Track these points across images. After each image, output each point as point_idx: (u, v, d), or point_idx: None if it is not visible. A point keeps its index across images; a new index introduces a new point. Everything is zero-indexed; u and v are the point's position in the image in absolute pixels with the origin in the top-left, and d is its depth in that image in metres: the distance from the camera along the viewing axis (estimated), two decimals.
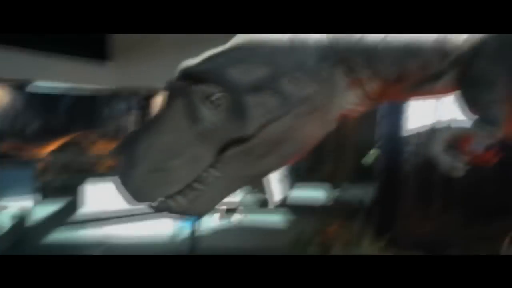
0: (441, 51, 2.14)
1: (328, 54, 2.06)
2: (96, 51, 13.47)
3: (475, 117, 2.22)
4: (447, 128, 2.35)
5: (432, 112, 5.79)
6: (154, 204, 1.93)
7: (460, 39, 2.14)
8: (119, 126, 14.13)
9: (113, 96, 14.24)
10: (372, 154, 7.92)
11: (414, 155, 5.95)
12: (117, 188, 1.90)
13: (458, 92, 2.30)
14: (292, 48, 2.02)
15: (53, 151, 10.63)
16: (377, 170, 6.27)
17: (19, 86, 13.26)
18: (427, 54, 2.13)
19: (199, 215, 2.06)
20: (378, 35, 2.08)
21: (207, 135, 1.91)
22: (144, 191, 1.88)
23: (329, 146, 12.14)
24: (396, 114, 6.01)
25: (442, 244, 5.30)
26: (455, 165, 2.15)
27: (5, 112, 13.41)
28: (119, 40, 13.67)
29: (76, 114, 14.59)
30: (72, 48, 12.58)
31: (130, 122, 14.06)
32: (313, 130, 2.06)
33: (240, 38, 2.10)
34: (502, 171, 5.77)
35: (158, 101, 13.78)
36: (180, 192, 1.91)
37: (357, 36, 2.08)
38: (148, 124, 2.06)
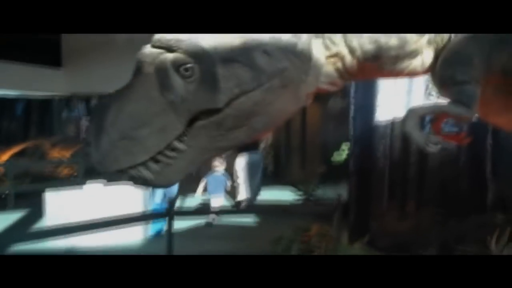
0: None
1: None
2: (48, 57, 13.23)
3: (449, 97, 2.24)
4: (421, 105, 2.49)
5: (404, 102, 5.70)
6: (120, 173, 1.87)
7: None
8: (74, 131, 14.00)
9: (67, 102, 14.14)
10: (343, 151, 7.79)
11: (388, 149, 5.83)
12: (83, 158, 1.80)
13: (432, 72, 2.34)
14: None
15: (9, 159, 10.15)
16: (350, 168, 6.12)
17: None
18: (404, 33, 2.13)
19: (165, 185, 2.03)
20: None
21: (178, 105, 1.86)
22: (111, 159, 1.83)
23: (297, 143, 12.22)
24: (368, 106, 5.85)
25: (418, 243, 5.22)
26: (428, 141, 2.19)
27: None
28: (70, 45, 13.49)
29: (31, 120, 14.37)
30: (25, 54, 12.36)
31: (85, 127, 13.90)
32: (286, 105, 2.02)
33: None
34: (476, 168, 5.78)
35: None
36: (146, 162, 1.86)
37: None
38: (118, 92, 1.94)
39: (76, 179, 9.44)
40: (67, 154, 10.69)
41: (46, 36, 13.12)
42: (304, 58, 2.04)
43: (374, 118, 5.80)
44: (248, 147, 8.60)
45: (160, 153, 1.88)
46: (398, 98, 5.71)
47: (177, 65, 1.87)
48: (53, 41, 13.48)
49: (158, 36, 1.93)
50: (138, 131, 1.84)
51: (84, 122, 13.97)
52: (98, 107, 1.99)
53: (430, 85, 5.11)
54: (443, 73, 2.27)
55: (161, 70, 1.88)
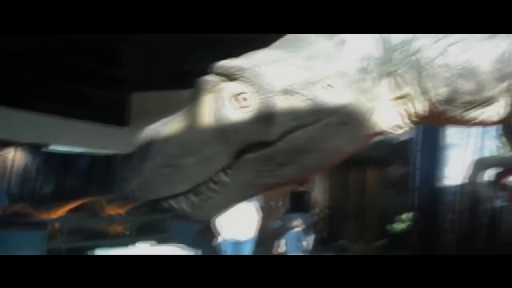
0: (498, 75, 2.01)
1: (375, 65, 1.91)
2: (114, 117, 13.65)
3: None
4: (491, 156, 2.19)
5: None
6: (157, 202, 1.75)
7: None
8: (131, 190, 14.04)
9: (130, 160, 14.32)
10: (403, 221, 7.20)
11: (455, 222, 5.24)
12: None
13: (508, 121, 2.16)
14: (336, 53, 1.87)
15: (65, 214, 10.21)
16: (414, 241, 5.57)
17: (35, 149, 13.30)
18: (483, 76, 1.99)
19: (202, 220, 1.88)
20: (436, 49, 1.95)
21: (229, 136, 1.73)
22: (150, 185, 1.72)
23: (354, 209, 11.66)
24: (434, 176, 5.36)
25: None
26: (496, 194, 2.07)
27: (21, 174, 13.68)
28: (137, 105, 13.92)
29: (92, 176, 14.74)
30: (91, 113, 12.81)
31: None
32: (342, 143, 1.86)
33: (284, 38, 1.96)
34: None
35: None
36: (186, 193, 1.73)
37: (412, 49, 1.95)
38: (171, 119, 1.85)
39: (127, 238, 9.32)
40: (121, 211, 10.63)
41: (114, 95, 13.64)
42: (370, 96, 1.90)
43: (440, 189, 5.28)
44: (300, 207, 8.19)
45: (202, 185, 1.74)
46: (466, 167, 5.19)
47: (235, 94, 1.76)
48: (121, 100, 13.98)
49: (221, 63, 1.80)
50: (184, 159, 1.73)
51: None
52: (148, 132, 1.85)
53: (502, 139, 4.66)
54: None
55: (219, 98, 1.77)
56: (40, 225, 9.57)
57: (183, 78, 1.80)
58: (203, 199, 1.78)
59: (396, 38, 1.98)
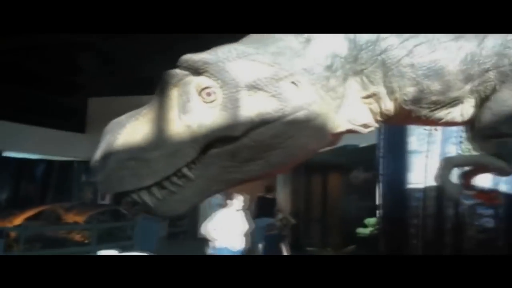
0: (463, 76, 2.04)
1: (340, 64, 1.93)
2: (72, 123, 13.34)
3: (488, 150, 2.11)
4: (458, 155, 2.51)
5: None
6: (121, 197, 1.73)
7: (486, 65, 2.04)
8: (91, 196, 13.87)
9: (86, 166, 14.13)
10: (368, 226, 7.24)
11: (421, 229, 5.28)
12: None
13: (470, 123, 2.17)
14: (301, 51, 1.88)
15: (22, 223, 9.80)
16: (380, 247, 5.57)
17: None
18: (448, 77, 2.01)
19: (167, 215, 1.85)
20: (402, 49, 1.97)
21: (194, 130, 1.73)
22: (114, 179, 1.70)
23: (318, 214, 11.68)
24: (399, 181, 5.37)
25: None
26: (462, 193, 2.11)
27: None
28: (95, 111, 13.64)
29: (49, 183, 14.29)
30: (48, 119, 12.45)
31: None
32: (307, 141, 1.87)
33: (251, 35, 1.95)
34: None
35: None
36: (151, 187, 1.71)
37: (379, 48, 1.97)
38: (137, 111, 1.83)
39: (88, 246, 9.02)
40: (81, 219, 10.29)
41: (71, 101, 13.29)
42: (334, 94, 1.91)
43: (405, 195, 5.31)
44: (264, 212, 8.13)
45: (167, 179, 1.73)
46: (431, 171, 5.25)
47: (200, 89, 1.76)
48: (78, 106, 13.65)
49: (186, 57, 1.80)
50: (149, 153, 1.71)
51: None
52: (113, 124, 1.81)
53: (463, 146, 4.73)
54: (486, 124, 2.09)
55: (184, 93, 1.77)
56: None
57: (141, 84, 1.74)
58: (167, 193, 1.75)
59: (362, 37, 1.99)
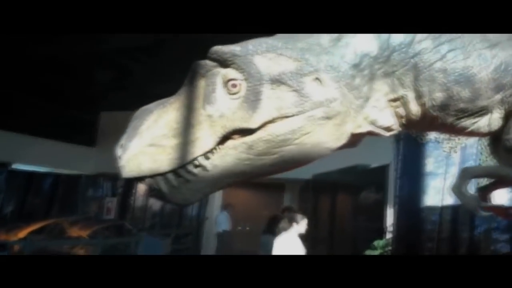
0: (494, 85, 1.98)
1: (369, 63, 1.89)
2: (82, 136, 13.26)
3: (510, 163, 2.04)
4: (477, 166, 2.48)
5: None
6: (138, 180, 1.77)
7: None
8: (96, 211, 13.70)
9: (93, 181, 14.04)
10: (376, 249, 7.00)
11: (435, 253, 5.06)
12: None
13: (499, 133, 2.11)
14: (330, 48, 1.85)
15: (27, 236, 9.63)
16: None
17: None
18: (479, 85, 1.96)
19: (179, 203, 1.86)
20: (436, 54, 1.93)
21: (215, 120, 1.75)
22: (134, 163, 1.74)
23: (324, 234, 11.44)
24: (413, 204, 5.17)
25: None
26: (479, 205, 2.04)
27: None
28: (105, 125, 13.58)
29: (56, 197, 14.18)
30: (58, 131, 12.37)
31: (111, 205, 13.71)
32: (323, 139, 1.83)
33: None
34: None
35: (140, 186, 13.72)
36: (166, 174, 1.75)
37: (412, 51, 1.92)
38: (166, 100, 1.86)
39: None
40: (85, 234, 10.10)
41: (84, 115, 13.22)
42: (359, 94, 1.87)
43: (420, 217, 5.10)
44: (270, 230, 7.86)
45: (183, 167, 1.75)
46: (445, 196, 5.05)
47: (226, 80, 1.77)
48: (90, 120, 13.58)
49: (216, 48, 1.80)
50: (169, 140, 1.75)
51: (107, 203, 13.76)
52: (142, 111, 1.85)
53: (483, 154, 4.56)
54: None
55: (211, 83, 1.79)
56: (4, 245, 9.04)
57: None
58: (182, 182, 1.77)
59: (396, 39, 1.93)
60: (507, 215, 2.88)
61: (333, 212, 10.54)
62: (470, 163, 4.80)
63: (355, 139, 1.97)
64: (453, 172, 4.90)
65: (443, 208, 4.99)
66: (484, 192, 2.49)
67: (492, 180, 2.53)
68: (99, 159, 13.43)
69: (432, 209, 5.09)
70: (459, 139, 4.78)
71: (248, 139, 1.76)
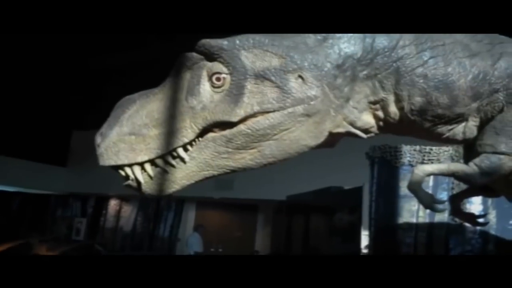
0: (472, 93, 2.03)
1: (352, 65, 1.92)
2: (53, 156, 12.92)
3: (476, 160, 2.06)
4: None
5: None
6: (115, 169, 1.78)
7: (497, 85, 2.04)
8: (65, 231, 13.33)
9: (63, 200, 13.67)
10: None
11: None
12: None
13: (473, 141, 2.15)
14: (315, 47, 1.88)
15: None
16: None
17: None
18: (457, 92, 2.00)
19: (154, 194, 1.84)
20: (418, 59, 1.97)
21: (196, 112, 1.79)
22: (112, 152, 1.75)
23: (298, 253, 11.28)
24: (391, 228, 5.10)
25: None
26: (433, 201, 2.08)
27: None
28: (77, 146, 13.28)
29: (24, 216, 13.74)
30: (29, 151, 12.01)
31: (81, 226, 13.34)
32: (303, 136, 1.86)
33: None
34: None
35: (110, 206, 13.39)
36: (144, 163, 1.76)
37: (395, 55, 1.96)
38: (151, 90, 1.88)
39: None
40: (52, 254, 9.72)
41: (55, 135, 12.88)
42: (340, 94, 1.90)
43: (396, 239, 5.03)
44: None
45: (161, 157, 1.76)
46: (421, 217, 5.00)
47: (211, 73, 1.80)
48: (61, 139, 13.26)
49: (203, 41, 1.82)
50: (150, 129, 1.76)
51: (77, 223, 13.38)
52: (125, 100, 1.86)
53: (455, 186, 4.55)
54: (485, 141, 2.08)
55: (195, 76, 1.82)
56: None
57: None
58: (159, 172, 1.78)
59: (381, 42, 1.97)
60: (475, 223, 2.91)
61: (307, 234, 10.42)
62: (443, 186, 4.78)
63: (333, 139, 2.01)
64: None
65: (417, 231, 4.93)
66: (456, 200, 2.59)
67: (463, 189, 2.61)
68: (70, 179, 13.09)
69: (406, 231, 5.02)
70: (431, 163, 4.75)
71: (228, 132, 1.78)
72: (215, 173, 1.87)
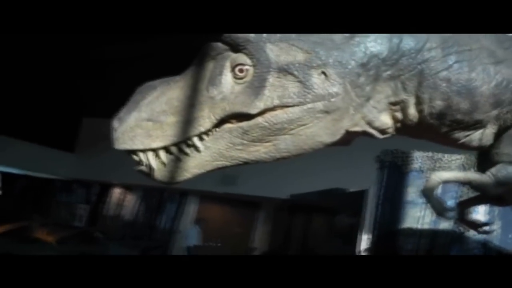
0: (493, 100, 1.99)
1: (376, 64, 1.89)
2: (62, 141, 12.88)
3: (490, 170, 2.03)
4: (447, 171, 2.30)
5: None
6: (131, 153, 1.76)
7: None
8: (68, 217, 13.36)
9: (68, 186, 13.65)
10: None
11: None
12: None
13: (488, 149, 2.13)
14: (341, 45, 1.85)
15: None
16: None
17: None
18: (479, 98, 1.97)
19: (166, 181, 1.82)
20: (443, 63, 1.94)
21: (216, 102, 1.76)
22: (128, 136, 1.74)
23: (297, 252, 11.22)
24: (393, 233, 5.03)
25: None
26: (444, 209, 2.06)
27: None
28: (86, 133, 13.26)
29: (27, 199, 13.72)
30: (39, 135, 11.98)
31: (84, 212, 13.33)
32: (320, 132, 1.83)
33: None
34: None
35: (114, 194, 13.37)
36: (158, 150, 1.75)
37: (421, 58, 1.92)
38: (172, 78, 1.87)
39: None
40: (52, 239, 9.68)
41: (65, 121, 12.84)
42: (361, 92, 1.87)
43: (398, 245, 4.97)
44: None
45: (176, 145, 1.75)
46: (424, 224, 4.93)
47: (234, 64, 1.78)
48: (71, 126, 13.23)
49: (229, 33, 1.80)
50: (168, 117, 1.75)
51: (79, 209, 13.37)
52: (146, 86, 1.84)
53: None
54: (502, 150, 2.06)
55: (219, 66, 1.80)
56: None
57: None
58: (172, 159, 1.77)
59: (408, 44, 1.93)
60: (479, 230, 2.89)
61: (307, 233, 10.34)
62: (451, 194, 4.70)
63: (349, 137, 1.99)
64: None
65: (420, 237, 4.88)
66: (464, 206, 2.59)
67: (472, 195, 2.58)
68: (76, 165, 13.08)
69: (409, 237, 4.97)
70: (442, 170, 4.69)
71: (245, 124, 1.76)
72: (228, 164, 1.84)
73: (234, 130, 1.77)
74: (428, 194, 2.10)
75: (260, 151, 1.81)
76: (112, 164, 11.22)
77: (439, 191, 4.78)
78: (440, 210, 2.09)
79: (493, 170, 2.04)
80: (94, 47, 8.62)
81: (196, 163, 1.79)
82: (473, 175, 2.10)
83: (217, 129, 1.78)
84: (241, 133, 1.77)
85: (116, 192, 13.57)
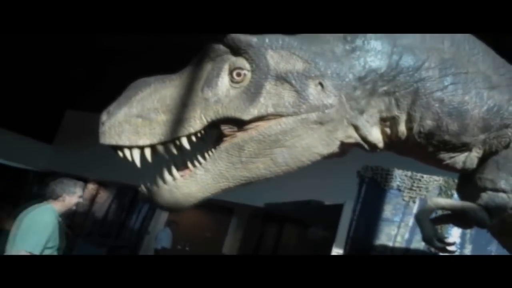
0: (482, 124, 2.01)
1: (374, 79, 1.88)
2: (41, 133, 12.57)
3: (473, 200, 2.04)
4: (443, 199, 2.27)
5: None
6: (117, 150, 1.70)
7: (508, 120, 2.02)
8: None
9: (42, 178, 13.30)
10: None
11: None
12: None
13: (471, 172, 2.12)
14: (342, 57, 1.85)
15: None
16: None
17: None
18: (468, 121, 1.98)
19: (170, 207, 1.78)
20: (439, 84, 1.93)
21: (209, 104, 1.72)
22: (115, 131, 1.68)
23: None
24: (368, 248, 5.00)
25: None
26: (435, 236, 2.06)
27: None
28: (67, 125, 12.99)
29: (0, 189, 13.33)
30: (18, 125, 11.67)
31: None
32: (314, 143, 1.81)
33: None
34: None
35: (87, 189, 13.09)
36: (144, 147, 1.69)
37: (418, 76, 1.92)
38: (168, 76, 1.82)
39: None
40: None
41: (47, 111, 12.54)
42: (356, 105, 1.86)
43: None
44: None
45: (163, 144, 1.70)
46: (398, 242, 4.92)
47: (233, 68, 1.76)
48: (53, 117, 12.93)
49: (233, 35, 1.76)
50: (158, 114, 1.71)
51: None
52: (141, 81, 1.78)
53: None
54: (486, 175, 2.04)
55: (217, 68, 1.77)
56: None
57: None
58: (174, 186, 1.72)
59: (407, 61, 1.93)
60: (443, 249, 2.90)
61: (278, 243, 10.27)
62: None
63: (344, 148, 1.96)
64: (409, 221, 4.78)
65: (392, 255, 4.85)
66: (436, 223, 2.56)
67: (446, 213, 2.60)
68: (53, 157, 12.78)
69: (381, 254, 4.94)
70: (420, 190, 4.69)
71: (239, 139, 1.73)
72: (231, 184, 1.81)
73: (230, 149, 1.74)
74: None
75: (260, 167, 1.78)
76: (88, 159, 11.00)
77: (414, 210, 4.83)
78: (429, 236, 2.08)
79: (482, 202, 2.03)
80: (87, 38, 8.40)
81: (199, 187, 1.76)
82: (469, 205, 2.08)
83: (212, 150, 1.76)
84: (238, 150, 1.74)
85: (90, 188, 13.28)
